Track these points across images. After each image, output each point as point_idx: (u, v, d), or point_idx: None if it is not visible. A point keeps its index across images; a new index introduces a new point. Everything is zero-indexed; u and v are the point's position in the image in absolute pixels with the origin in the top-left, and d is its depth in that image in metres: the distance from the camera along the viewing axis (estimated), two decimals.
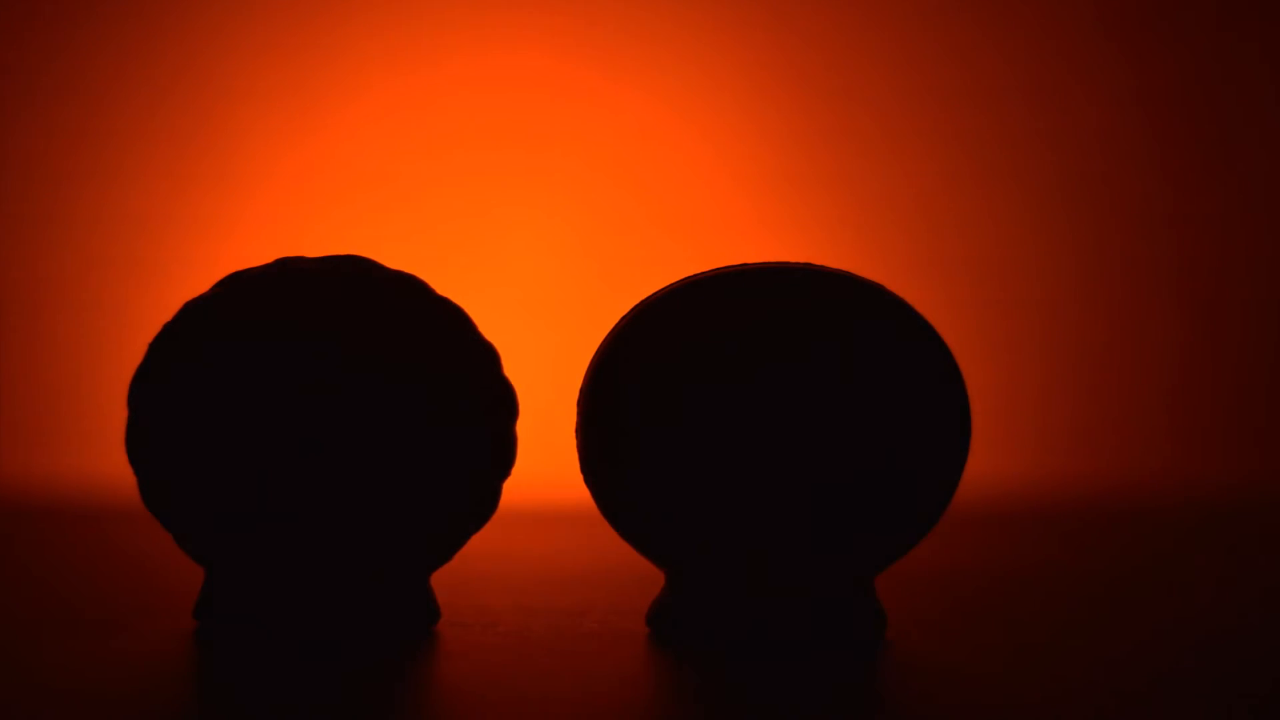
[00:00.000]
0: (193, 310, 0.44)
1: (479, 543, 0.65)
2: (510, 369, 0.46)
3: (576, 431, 0.45)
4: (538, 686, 0.35)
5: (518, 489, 0.52)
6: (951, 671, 0.38)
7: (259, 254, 1.03)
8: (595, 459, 0.44)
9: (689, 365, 0.42)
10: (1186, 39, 1.17)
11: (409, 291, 0.44)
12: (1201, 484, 1.13)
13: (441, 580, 0.52)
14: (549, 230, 1.12)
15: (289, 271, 0.44)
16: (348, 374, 0.42)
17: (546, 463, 0.86)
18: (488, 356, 0.44)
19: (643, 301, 0.45)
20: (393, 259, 0.50)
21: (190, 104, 1.11)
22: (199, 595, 0.45)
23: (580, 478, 0.45)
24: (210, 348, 0.43)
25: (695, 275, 0.44)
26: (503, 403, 0.44)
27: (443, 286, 0.47)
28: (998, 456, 1.11)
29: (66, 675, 0.38)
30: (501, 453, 0.44)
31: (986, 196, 1.16)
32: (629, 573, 0.57)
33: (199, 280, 1.03)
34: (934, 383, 0.42)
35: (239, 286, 0.44)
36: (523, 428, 0.47)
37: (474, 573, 0.56)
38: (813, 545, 0.42)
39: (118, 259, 1.11)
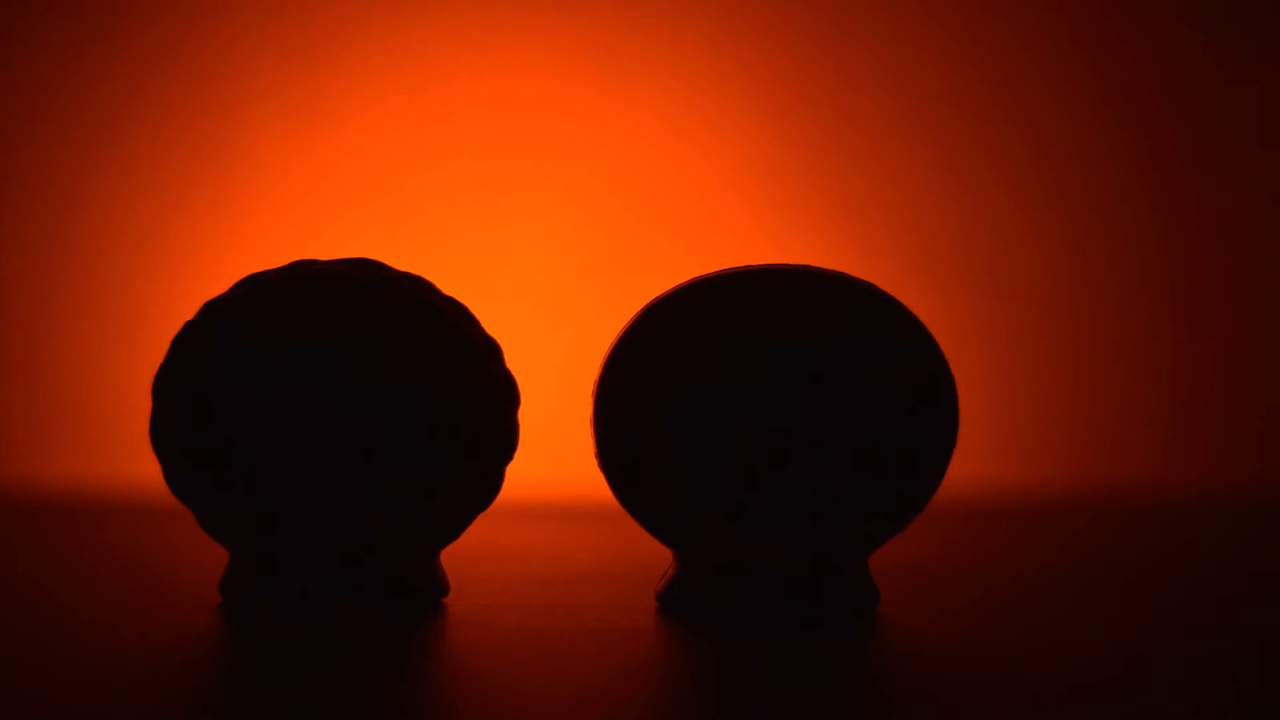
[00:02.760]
0: (212, 309, 0.46)
1: (479, 542, 0.65)
2: (515, 369, 0.49)
3: (591, 421, 0.47)
4: (538, 685, 0.35)
5: (519, 489, 0.54)
6: (948, 658, 0.39)
7: (274, 257, 1.05)
8: (609, 447, 0.46)
9: (694, 360, 0.44)
10: (1167, 43, 1.18)
11: (416, 291, 0.46)
12: (1197, 483, 1.14)
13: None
14: (551, 238, 1.14)
15: (303, 273, 0.46)
16: (359, 368, 0.44)
17: (548, 462, 0.88)
18: (490, 350, 0.46)
19: (653, 300, 0.47)
20: (403, 264, 0.52)
21: (209, 116, 1.13)
22: (224, 573, 0.47)
23: (581, 473, 0.48)
24: (229, 344, 0.45)
25: (701, 276, 0.47)
26: (505, 393, 0.46)
27: (453, 290, 0.50)
28: (990, 457, 1.12)
29: (115, 639, 0.40)
30: (504, 439, 0.46)
31: (974, 200, 1.17)
32: (629, 571, 0.57)
33: (217, 282, 1.06)
34: (924, 376, 0.45)
35: (256, 287, 0.46)
36: (529, 426, 0.49)
37: (474, 571, 0.55)
38: (810, 526, 0.44)
39: (141, 263, 1.13)
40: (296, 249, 1.08)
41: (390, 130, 1.13)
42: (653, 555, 0.59)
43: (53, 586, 0.53)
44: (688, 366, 0.44)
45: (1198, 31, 1.18)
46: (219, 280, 1.06)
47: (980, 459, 1.11)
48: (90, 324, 1.12)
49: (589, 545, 0.70)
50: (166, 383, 0.45)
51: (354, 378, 0.44)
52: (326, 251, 1.05)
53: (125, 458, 1.07)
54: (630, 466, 0.46)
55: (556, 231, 1.13)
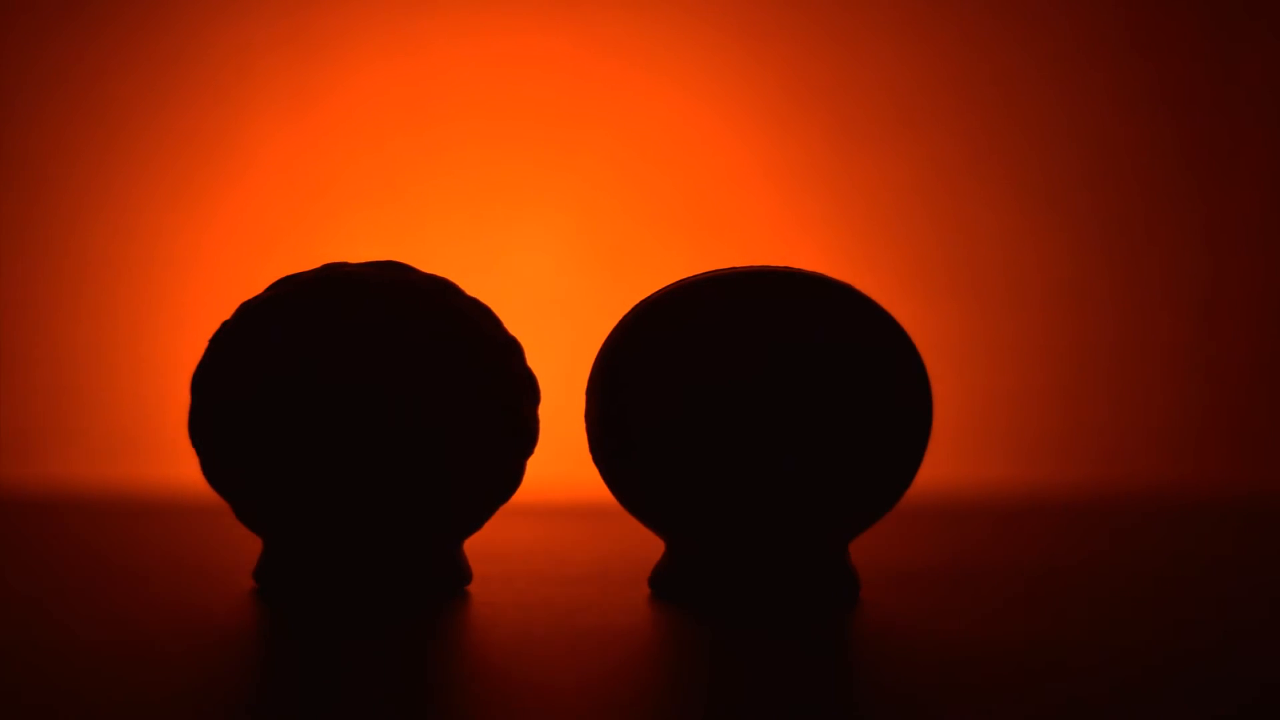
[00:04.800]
0: (248, 310, 0.48)
1: (482, 541, 0.64)
2: (534, 367, 0.50)
3: (586, 417, 0.49)
4: (536, 683, 0.35)
5: (523, 487, 0.55)
6: (944, 657, 0.40)
7: (284, 255, 1.06)
8: (603, 442, 0.48)
9: (683, 358, 0.46)
10: (1165, 45, 1.19)
11: (442, 292, 0.48)
12: (1191, 484, 1.15)
13: None
14: (564, 237, 1.15)
15: (334, 275, 0.48)
16: (388, 366, 0.46)
17: (551, 460, 0.89)
18: (512, 349, 0.48)
19: (643, 301, 0.49)
20: (421, 262, 0.54)
21: (218, 116, 1.14)
22: (257, 561, 0.49)
23: (583, 466, 0.50)
24: (264, 342, 0.46)
25: (688, 278, 0.49)
26: (525, 391, 0.48)
27: (472, 287, 0.51)
28: (979, 457, 1.14)
29: (154, 624, 0.42)
30: (525, 435, 0.48)
31: (985, 198, 1.18)
32: (629, 570, 0.57)
33: (229, 282, 1.07)
34: (899, 372, 0.47)
35: (289, 288, 0.48)
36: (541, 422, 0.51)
37: (476, 570, 0.55)
38: (794, 516, 0.47)
39: (153, 263, 1.14)
40: (308, 247, 1.10)
41: (400, 129, 1.14)
42: (653, 555, 0.59)
43: (88, 578, 0.54)
44: (675, 364, 0.46)
45: (1195, 33, 1.18)
46: (229, 280, 1.08)
47: (980, 459, 1.12)
48: (104, 325, 1.13)
49: (591, 544, 0.69)
50: (205, 379, 0.47)
51: (383, 375, 0.46)
52: (341, 250, 1.07)
53: (144, 457, 1.08)
54: (622, 459, 0.48)
55: (569, 230, 1.14)
